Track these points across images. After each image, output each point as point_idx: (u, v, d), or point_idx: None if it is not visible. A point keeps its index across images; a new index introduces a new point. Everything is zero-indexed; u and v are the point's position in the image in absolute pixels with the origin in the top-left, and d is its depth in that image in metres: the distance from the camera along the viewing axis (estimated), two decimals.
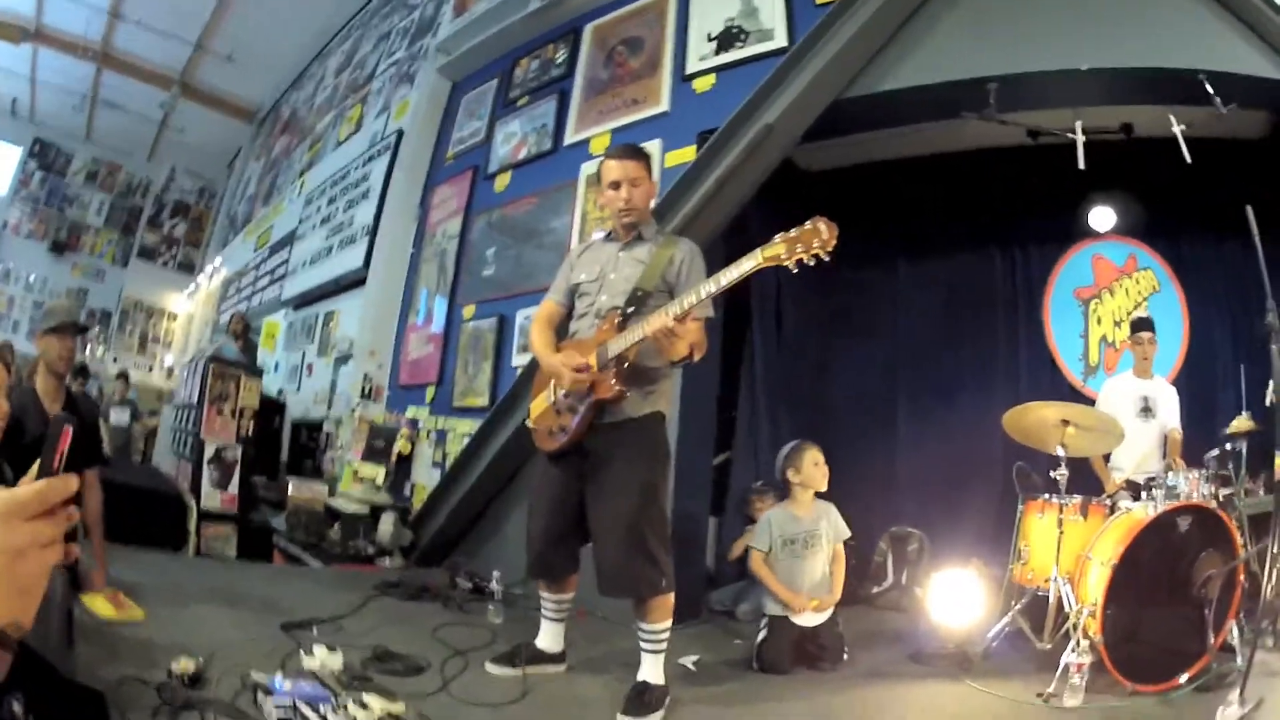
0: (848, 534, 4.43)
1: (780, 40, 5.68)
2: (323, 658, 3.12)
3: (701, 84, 5.91)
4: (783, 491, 4.51)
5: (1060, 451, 4.31)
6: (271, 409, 8.54)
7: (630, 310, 3.29)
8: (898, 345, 6.99)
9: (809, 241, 2.87)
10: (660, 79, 6.11)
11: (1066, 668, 3.47)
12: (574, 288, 3.55)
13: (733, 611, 5.36)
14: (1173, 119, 5.43)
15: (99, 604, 3.53)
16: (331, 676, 3.00)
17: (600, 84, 6.54)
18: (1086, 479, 5.18)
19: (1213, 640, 3.63)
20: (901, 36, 5.49)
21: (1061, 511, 4.14)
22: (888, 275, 7.12)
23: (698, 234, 4.81)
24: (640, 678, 3.28)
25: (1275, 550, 3.89)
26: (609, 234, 3.60)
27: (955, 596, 4.39)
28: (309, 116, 11.72)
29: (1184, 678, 3.58)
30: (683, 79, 6.00)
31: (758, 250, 2.94)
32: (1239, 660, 3.54)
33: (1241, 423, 4.83)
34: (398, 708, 2.79)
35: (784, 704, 3.58)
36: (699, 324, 3.21)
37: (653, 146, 5.67)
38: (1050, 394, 5.31)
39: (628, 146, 3.65)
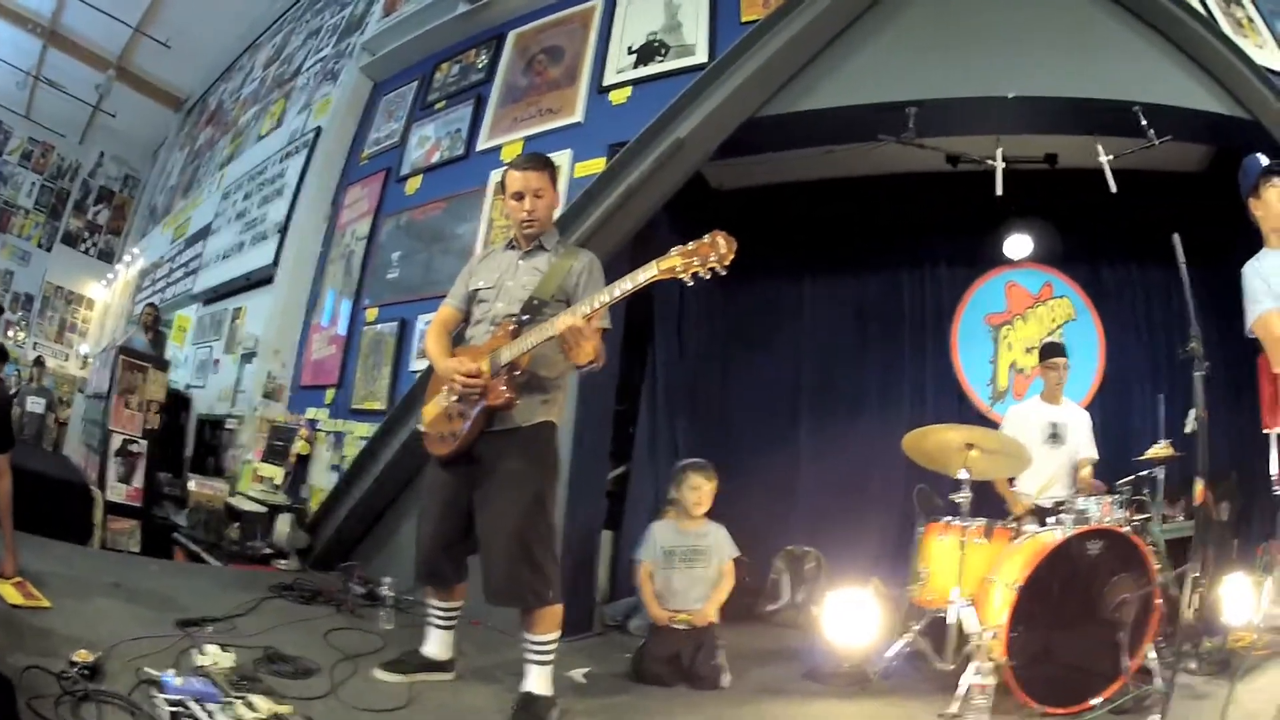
0: (735, 552, 4.34)
1: (701, 56, 5.47)
2: (214, 656, 3.07)
3: (618, 96, 5.68)
4: (669, 505, 4.48)
5: (963, 475, 4.18)
6: (178, 404, 8.16)
7: (525, 318, 3.19)
8: (803, 363, 6.81)
9: (705, 255, 2.80)
10: (577, 89, 5.86)
11: (969, 689, 3.36)
12: (472, 294, 3.44)
13: (625, 625, 5.16)
14: (1100, 149, 5.30)
15: (7, 591, 3.41)
16: (222, 675, 2.93)
17: (518, 91, 6.25)
18: (989, 503, 4.99)
19: (1128, 663, 3.53)
20: (824, 57, 5.29)
21: (964, 534, 4.03)
22: (795, 293, 6.94)
23: (602, 246, 4.59)
24: (525, 689, 3.17)
25: (1194, 575, 3.95)
26: (510, 243, 3.49)
27: (851, 616, 4.22)
28: (234, 109, 11.22)
29: (1097, 700, 3.49)
30: (599, 90, 5.76)
31: (654, 262, 2.86)
32: (1158, 683, 3.50)
33: (1159, 450, 4.68)
34: (285, 709, 2.73)
35: (673, 719, 3.51)
36: (599, 333, 3.10)
37: (563, 157, 5.45)
38: (956, 417, 5.17)
39: (533, 156, 3.52)
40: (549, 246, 3.40)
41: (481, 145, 6.25)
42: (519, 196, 3.34)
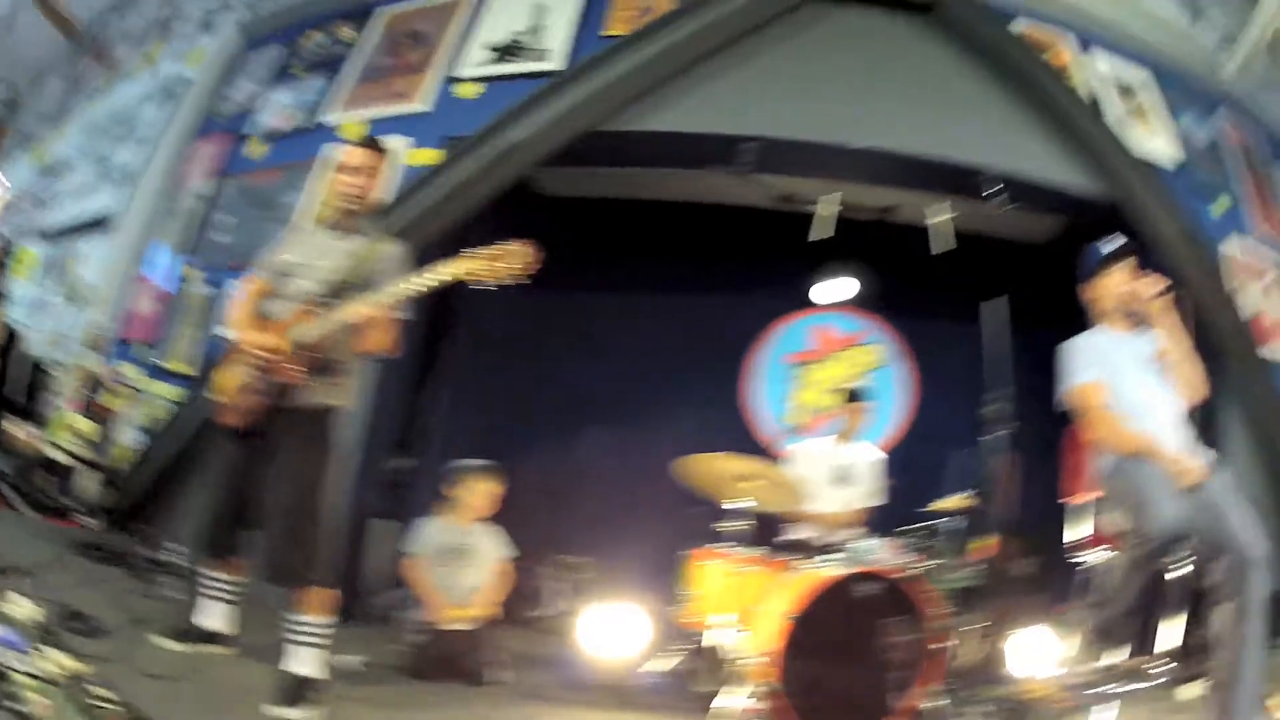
0: (510, 554, 4.43)
1: (556, 63, 5.45)
2: (19, 606, 2.99)
3: (467, 90, 5.60)
4: (448, 502, 4.48)
5: (736, 504, 4.25)
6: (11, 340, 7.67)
7: (327, 299, 3.16)
8: (600, 377, 6.72)
9: (505, 262, 2.90)
10: (429, 78, 5.76)
11: (734, 713, 3.48)
12: (282, 268, 3.39)
13: (398, 616, 4.90)
14: (934, 211, 5.36)
15: None
16: (26, 626, 2.86)
17: (376, 71, 6.11)
18: (765, 533, 5.03)
19: (898, 704, 3.60)
20: (676, 83, 5.28)
21: (732, 561, 4.10)
22: (603, 308, 6.86)
23: (419, 238, 4.56)
24: (292, 669, 3.10)
25: (980, 624, 4.19)
26: (327, 221, 3.50)
27: (615, 629, 4.26)
28: (118, 45, 10.72)
29: None
30: (449, 82, 5.61)
31: (453, 262, 2.93)
32: None
33: (953, 501, 4.82)
34: (81, 667, 2.68)
35: (438, 712, 3.54)
36: (393, 323, 3.15)
37: (398, 144, 5.35)
38: (744, 447, 5.10)
39: (369, 138, 3.60)
40: (364, 231, 3.37)
41: (328, 118, 6.08)
42: (349, 172, 3.36)
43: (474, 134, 5.09)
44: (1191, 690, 4.24)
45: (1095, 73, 6.19)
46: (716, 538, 4.31)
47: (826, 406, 6.71)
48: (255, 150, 6.43)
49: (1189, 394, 3.31)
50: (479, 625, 4.15)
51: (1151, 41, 6.74)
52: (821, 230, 5.10)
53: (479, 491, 4.37)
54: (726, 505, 4.26)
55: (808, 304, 6.99)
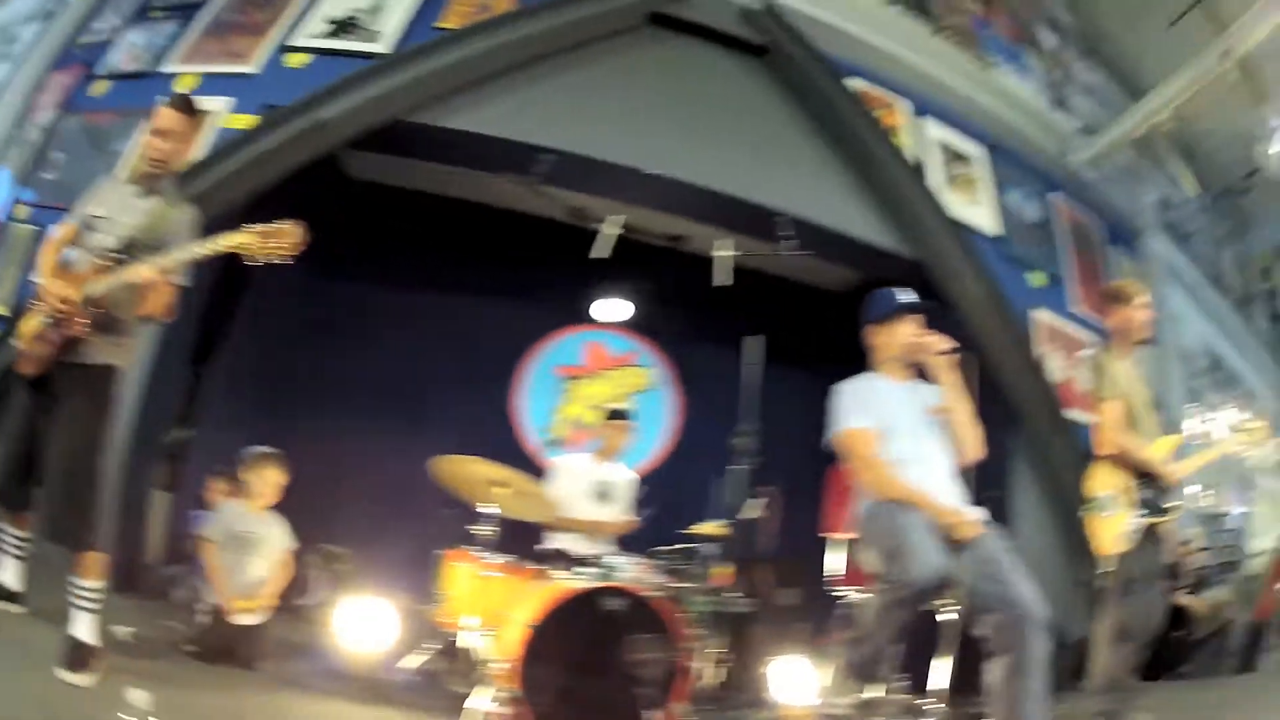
0: (292, 545, 4.39)
1: (383, 46, 5.41)
2: None
3: (296, 60, 5.56)
4: (239, 486, 4.43)
5: (487, 509, 4.25)
6: None
7: (122, 256, 3.12)
8: (377, 367, 6.65)
9: (278, 240, 2.91)
10: (264, 41, 5.69)
11: (481, 716, 3.43)
12: (88, 219, 3.32)
13: (178, 593, 4.88)
14: (719, 245, 5.43)
15: None
16: None
17: (223, 26, 6.01)
18: (518, 539, 5.06)
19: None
20: (493, 85, 5.30)
21: (484, 566, 4.09)
22: (389, 299, 6.80)
23: (216, 204, 4.53)
24: (71, 633, 3.03)
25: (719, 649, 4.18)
26: (135, 177, 3.46)
27: (367, 623, 4.20)
28: None
29: None
30: (282, 49, 5.59)
31: (230, 233, 2.93)
32: None
33: (710, 527, 4.84)
34: None
35: (205, 693, 3.44)
36: (172, 288, 3.14)
37: (219, 104, 5.32)
38: (506, 454, 5.14)
39: (185, 99, 3.47)
40: (163, 191, 3.35)
41: (167, 67, 5.97)
42: (159, 133, 3.31)
43: (287, 106, 5.05)
44: None
45: (926, 138, 6.34)
46: (467, 540, 4.30)
47: (589, 423, 6.77)
48: (98, 89, 6.30)
49: (965, 452, 3.27)
50: (262, 619, 4.12)
51: (1003, 119, 6.94)
52: (603, 249, 5.14)
53: (269, 479, 4.34)
54: (479, 509, 4.25)
55: (586, 319, 7.04)
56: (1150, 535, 3.90)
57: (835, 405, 3.30)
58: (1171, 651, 6.33)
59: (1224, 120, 9.90)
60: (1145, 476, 3.90)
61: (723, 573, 4.81)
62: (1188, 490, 7.71)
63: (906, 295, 3.36)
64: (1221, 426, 4.21)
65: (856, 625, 2.93)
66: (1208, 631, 8.25)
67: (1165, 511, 3.90)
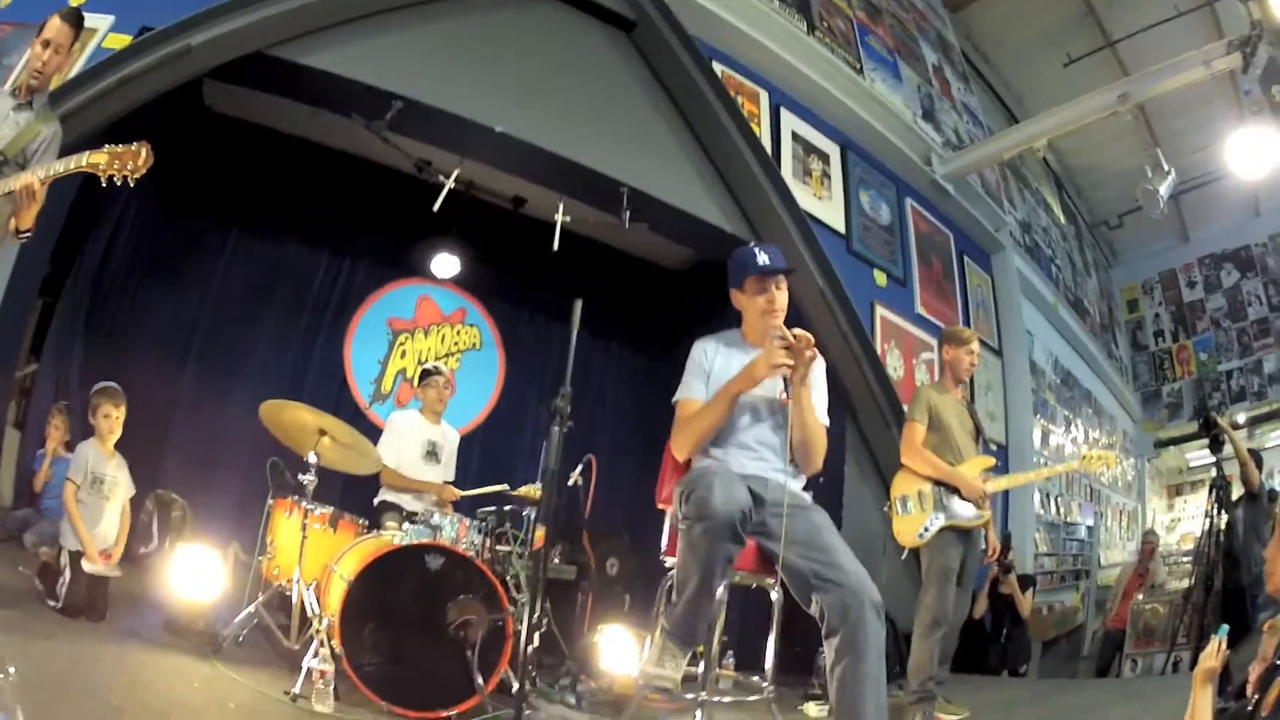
0: (133, 490, 4.26)
1: None
2: None
3: None
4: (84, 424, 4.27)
5: (312, 458, 4.08)
6: None
7: None
8: (206, 308, 6.47)
9: (125, 162, 2.89)
10: None
11: (309, 671, 3.28)
12: None
13: (20, 537, 4.80)
14: (561, 209, 5.44)
15: None
16: None
17: None
18: (345, 491, 5.13)
19: (481, 683, 3.51)
20: (357, 26, 5.21)
21: (306, 516, 3.92)
22: (222, 238, 6.60)
23: (80, 123, 4.41)
24: None
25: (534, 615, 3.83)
26: (14, 89, 3.34)
27: (195, 573, 4.01)
28: None
29: (451, 712, 3.46)
30: None
31: (85, 153, 2.91)
32: (526, 712, 3.44)
33: (530, 490, 4.84)
34: None
35: (51, 643, 3.34)
36: (31, 204, 3.04)
37: (102, 22, 5.09)
38: (332, 405, 5.11)
39: (74, 11, 3.45)
40: (36, 106, 3.27)
41: None
42: (45, 45, 3.25)
43: (157, 30, 4.88)
44: (817, 710, 4.54)
45: (784, 130, 6.46)
46: (294, 490, 4.18)
47: (414, 376, 6.74)
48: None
49: (802, 439, 2.95)
50: (113, 571, 3.96)
51: (867, 122, 7.09)
52: (443, 201, 5.11)
53: (113, 417, 4.14)
54: (305, 457, 4.10)
55: (422, 273, 6.92)
56: (956, 534, 4.27)
57: (689, 362, 3.09)
58: (1007, 649, 6.58)
59: (1105, 157, 10.31)
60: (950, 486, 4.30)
61: (547, 539, 4.80)
62: (1033, 500, 8.10)
63: (763, 256, 3.00)
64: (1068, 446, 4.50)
65: (675, 589, 2.86)
66: (1055, 634, 8.61)
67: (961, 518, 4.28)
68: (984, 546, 4.46)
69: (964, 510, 4.29)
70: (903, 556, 4.50)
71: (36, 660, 3.06)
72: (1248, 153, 6.67)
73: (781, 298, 2.98)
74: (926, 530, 4.27)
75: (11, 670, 2.43)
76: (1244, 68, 5.86)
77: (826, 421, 3.01)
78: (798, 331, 2.77)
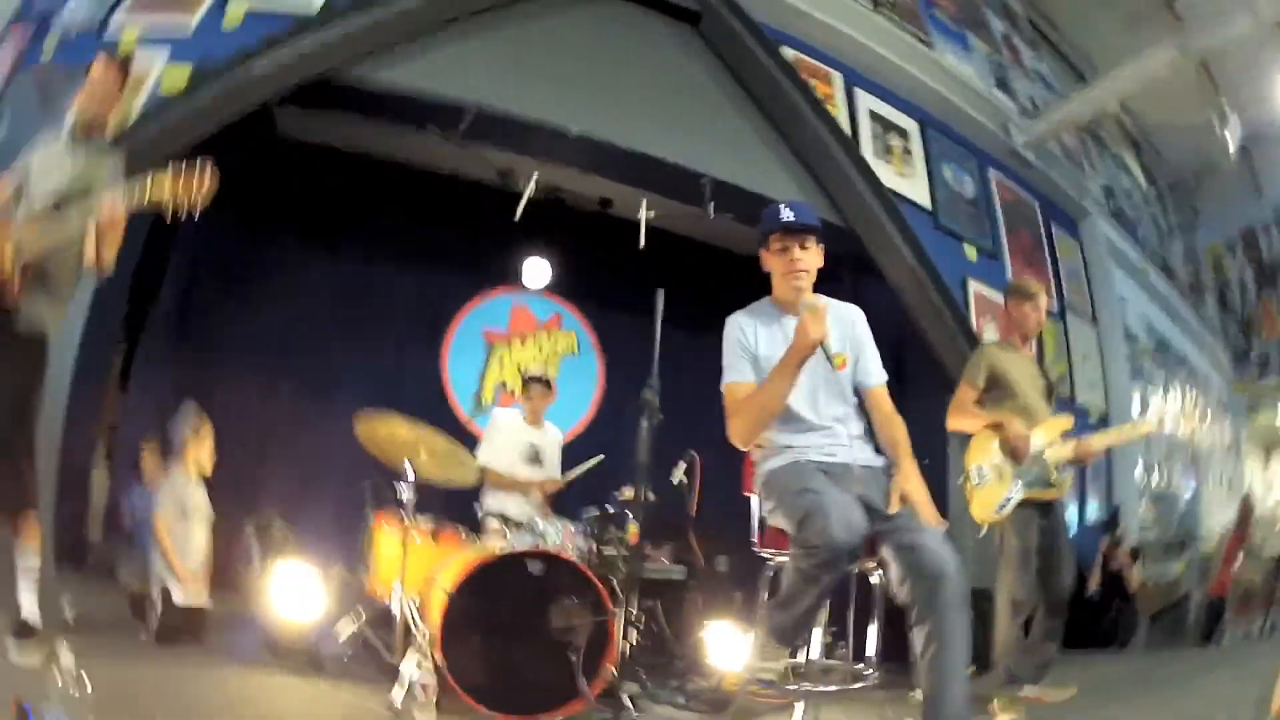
0: (213, 515, 4.28)
1: (314, 7, 5.24)
2: None
3: (232, 16, 5.38)
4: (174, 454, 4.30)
5: (410, 472, 4.03)
6: None
7: (52, 211, 3.01)
8: (296, 330, 6.43)
9: (192, 183, 2.85)
10: None
11: (411, 684, 3.24)
12: (24, 173, 3.21)
13: (120, 570, 4.75)
14: (644, 205, 5.33)
15: None
16: None
17: None
18: (447, 503, 4.94)
19: (586, 687, 3.45)
20: (423, 41, 5.20)
21: (407, 530, 3.87)
22: (305, 261, 6.59)
23: (149, 162, 4.22)
24: (17, 605, 2.99)
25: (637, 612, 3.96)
26: (71, 130, 3.34)
27: (295, 593, 4.06)
28: None
29: (556, 716, 3.43)
30: (220, 5, 5.44)
31: (148, 178, 2.88)
32: (633, 712, 3.50)
33: (631, 491, 4.57)
34: None
35: (148, 668, 3.42)
36: (108, 240, 3.00)
37: (158, 57, 5.17)
38: (432, 416, 4.98)
39: (124, 55, 3.48)
40: (94, 145, 3.27)
41: (115, 19, 5.69)
42: (93, 84, 3.26)
43: (220, 61, 4.95)
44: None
45: (860, 109, 6.26)
46: (394, 504, 4.14)
47: (514, 387, 6.55)
48: (50, 44, 6.21)
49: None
50: (210, 601, 4.03)
51: (942, 95, 6.85)
52: (526, 210, 5.03)
53: (207, 445, 4.22)
54: (403, 472, 4.06)
55: (513, 282, 6.87)
56: (1036, 509, 3.92)
57: (724, 344, 2.88)
58: (1117, 623, 6.32)
59: (1178, 115, 9.88)
60: (1032, 454, 3.91)
61: (641, 535, 4.66)
62: (1137, 471, 7.78)
63: (787, 212, 2.81)
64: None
65: (781, 589, 2.71)
66: (1160, 606, 8.25)
67: (1044, 487, 3.91)
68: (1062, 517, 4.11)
69: (1045, 478, 3.91)
70: (980, 534, 4.02)
71: (133, 684, 3.06)
72: None
73: (806, 258, 2.79)
74: (1007, 502, 3.89)
75: (89, 689, 2.41)
76: None
77: (884, 376, 2.91)
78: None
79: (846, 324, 2.92)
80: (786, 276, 2.79)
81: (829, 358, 2.64)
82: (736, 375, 2.81)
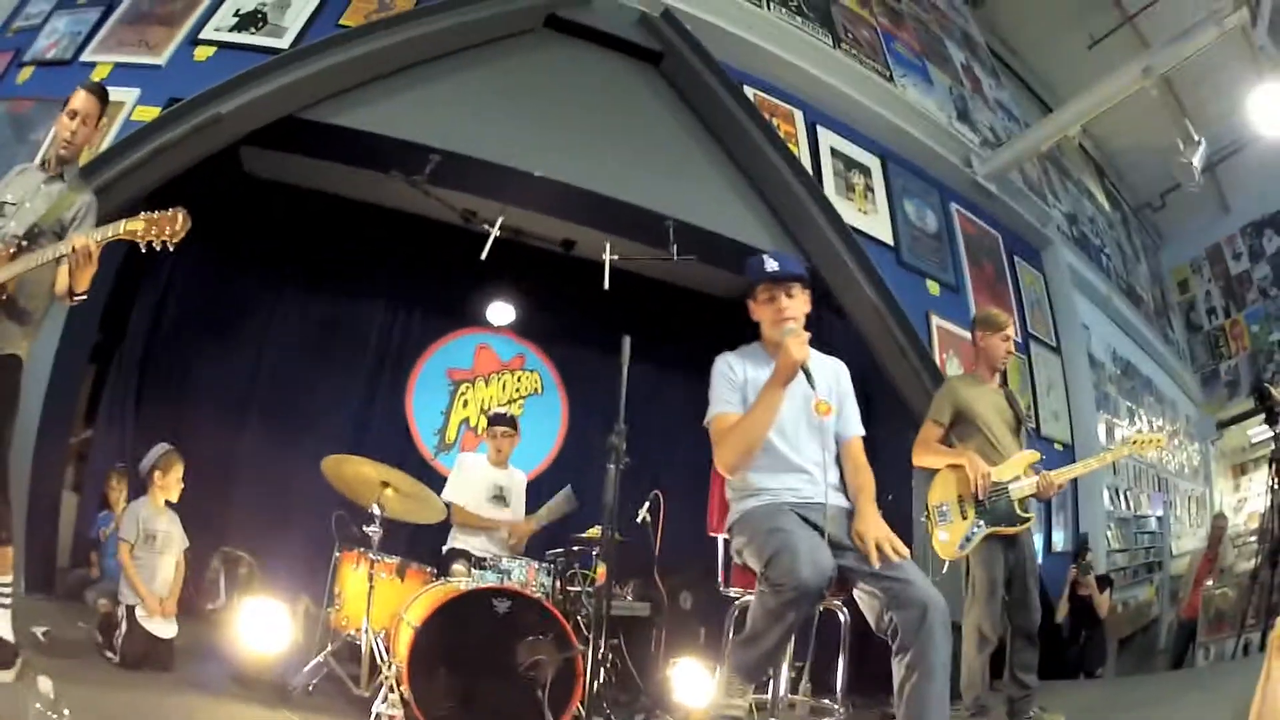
0: (186, 543, 4.28)
1: (284, 42, 5.33)
2: None
3: (202, 53, 5.43)
4: (142, 484, 4.32)
5: (376, 510, 4.11)
6: None
7: (25, 244, 3.05)
8: (262, 367, 6.48)
9: (163, 227, 2.88)
10: (176, 33, 5.57)
11: (378, 717, 3.32)
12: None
13: (87, 594, 4.84)
14: (608, 247, 5.33)
15: None
16: None
17: (138, 15, 5.86)
18: (413, 540, 5.13)
19: None
20: (388, 83, 5.22)
21: (373, 567, 3.97)
22: (273, 298, 6.62)
23: (117, 195, 4.53)
24: None
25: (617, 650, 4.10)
26: (43, 162, 3.40)
27: (262, 626, 4.08)
28: None
29: None
30: (191, 41, 5.49)
31: (123, 221, 2.92)
32: None
33: (596, 531, 4.65)
34: None
35: (118, 694, 3.39)
36: (86, 267, 3.03)
37: (128, 94, 5.21)
38: (398, 456, 5.07)
39: (96, 85, 3.43)
40: (68, 178, 3.29)
41: (86, 56, 5.81)
42: (73, 116, 3.25)
43: (187, 100, 4.95)
44: None
45: (822, 147, 6.33)
46: (359, 541, 4.20)
47: (478, 426, 6.74)
48: (23, 75, 6.12)
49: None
50: (170, 617, 4.05)
51: (904, 130, 6.93)
52: (490, 251, 5.04)
53: (175, 476, 4.23)
54: (368, 509, 4.13)
55: (478, 322, 6.95)
56: (1001, 542, 3.96)
57: (712, 382, 2.98)
58: (1085, 651, 6.36)
59: (1141, 137, 10.03)
60: (996, 489, 3.96)
61: (609, 575, 4.66)
62: (1104, 498, 7.84)
63: (772, 263, 2.90)
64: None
65: (747, 627, 2.74)
66: (1131, 630, 8.31)
67: (1010, 522, 3.95)
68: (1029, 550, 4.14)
69: (1009, 513, 3.94)
70: (943, 570, 4.04)
71: (101, 710, 3.05)
72: (1270, 110, 6.51)
73: (793, 306, 2.87)
74: (969, 540, 3.94)
75: (66, 713, 2.46)
76: (1252, 21, 5.69)
77: (862, 431, 3.00)
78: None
79: (831, 375, 3.01)
80: (776, 325, 2.86)
81: (811, 383, 2.73)
82: (724, 407, 2.89)
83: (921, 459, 4.16)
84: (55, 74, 5.91)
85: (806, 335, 2.77)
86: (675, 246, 5.24)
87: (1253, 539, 7.89)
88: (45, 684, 2.55)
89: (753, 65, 6.17)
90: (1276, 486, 5.42)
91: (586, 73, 5.63)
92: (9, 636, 3.03)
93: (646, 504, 4.91)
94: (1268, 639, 2.66)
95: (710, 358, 6.76)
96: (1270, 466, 5.50)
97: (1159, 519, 9.49)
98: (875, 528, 2.66)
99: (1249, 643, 5.54)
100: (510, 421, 5.34)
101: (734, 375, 2.91)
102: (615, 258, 5.17)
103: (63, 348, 4.69)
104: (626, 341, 4.06)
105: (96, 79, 5.19)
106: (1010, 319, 4.39)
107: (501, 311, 6.64)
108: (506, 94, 5.33)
